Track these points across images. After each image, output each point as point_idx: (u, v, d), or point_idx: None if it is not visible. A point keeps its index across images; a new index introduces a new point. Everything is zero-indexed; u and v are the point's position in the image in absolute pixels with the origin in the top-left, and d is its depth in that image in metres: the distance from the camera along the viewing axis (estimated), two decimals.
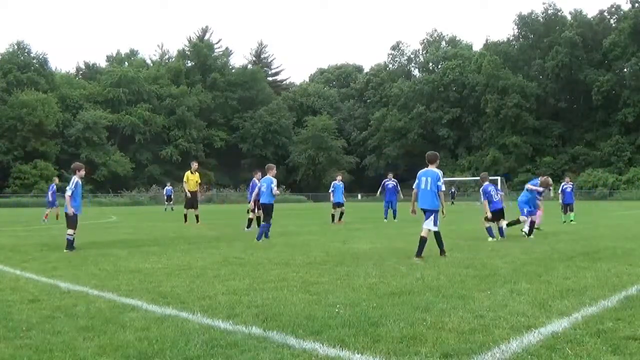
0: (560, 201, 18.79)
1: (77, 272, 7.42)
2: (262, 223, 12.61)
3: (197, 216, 17.97)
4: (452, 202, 47.68)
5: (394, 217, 19.62)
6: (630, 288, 5.92)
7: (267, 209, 12.36)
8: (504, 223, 12.21)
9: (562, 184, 19.15)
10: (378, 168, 78.39)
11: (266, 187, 12.22)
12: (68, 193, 10.19)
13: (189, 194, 17.83)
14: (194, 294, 5.77)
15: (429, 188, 8.74)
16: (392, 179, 20.37)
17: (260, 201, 12.63)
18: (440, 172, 8.89)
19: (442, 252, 8.81)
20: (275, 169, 12.82)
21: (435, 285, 6.19)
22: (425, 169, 8.95)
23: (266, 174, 12.44)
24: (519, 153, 68.17)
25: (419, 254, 8.48)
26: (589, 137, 68.09)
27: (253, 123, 78.13)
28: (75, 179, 10.31)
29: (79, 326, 4.45)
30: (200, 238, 12.89)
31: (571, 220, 18.01)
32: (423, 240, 8.57)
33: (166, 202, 35.23)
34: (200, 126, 75.16)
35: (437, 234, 8.78)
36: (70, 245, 10.17)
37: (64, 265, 8.10)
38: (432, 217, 8.68)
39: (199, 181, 18.35)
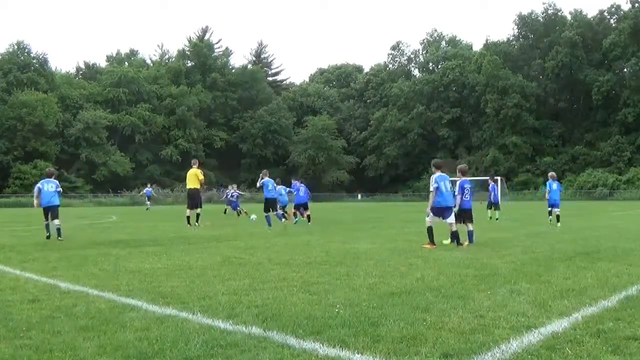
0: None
1: (77, 272, 7.41)
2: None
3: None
4: None
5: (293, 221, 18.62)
6: (630, 288, 5.91)
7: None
8: (471, 226, 11.17)
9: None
10: (378, 168, 78.43)
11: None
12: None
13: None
14: (194, 294, 5.76)
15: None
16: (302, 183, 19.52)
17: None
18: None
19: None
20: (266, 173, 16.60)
21: (435, 285, 6.18)
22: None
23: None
24: (519, 153, 68.17)
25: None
26: (589, 137, 68.06)
27: (253, 123, 78.10)
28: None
29: (79, 326, 4.44)
30: (200, 238, 12.89)
31: (497, 219, 19.21)
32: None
33: (147, 202, 37.04)
34: (200, 126, 75.13)
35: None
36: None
37: (64, 265, 8.10)
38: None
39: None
